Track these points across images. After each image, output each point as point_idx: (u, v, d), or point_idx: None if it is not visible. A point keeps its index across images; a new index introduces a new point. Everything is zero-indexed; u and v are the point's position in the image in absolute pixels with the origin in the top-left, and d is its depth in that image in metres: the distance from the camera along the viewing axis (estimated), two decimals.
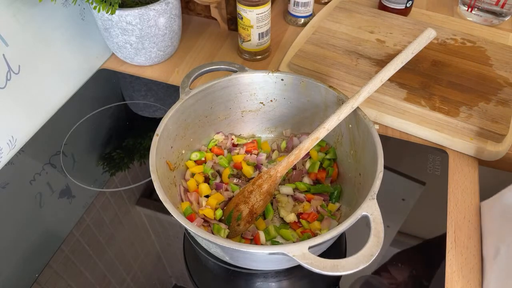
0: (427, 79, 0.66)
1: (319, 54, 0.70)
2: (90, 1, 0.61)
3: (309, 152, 0.50)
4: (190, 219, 0.47)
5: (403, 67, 0.47)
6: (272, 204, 0.52)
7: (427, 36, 0.48)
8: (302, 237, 0.48)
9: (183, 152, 0.53)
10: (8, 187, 0.58)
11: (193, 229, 0.38)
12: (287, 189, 0.52)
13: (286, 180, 0.55)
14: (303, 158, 0.49)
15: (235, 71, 0.54)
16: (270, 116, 0.59)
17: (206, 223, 0.49)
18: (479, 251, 0.50)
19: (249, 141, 0.58)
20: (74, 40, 0.70)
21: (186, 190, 0.52)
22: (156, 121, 0.47)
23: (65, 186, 0.58)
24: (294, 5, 0.82)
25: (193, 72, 0.54)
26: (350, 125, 0.50)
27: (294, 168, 0.55)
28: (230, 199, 0.52)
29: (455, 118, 0.60)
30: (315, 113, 0.55)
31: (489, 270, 0.47)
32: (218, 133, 0.58)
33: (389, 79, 0.48)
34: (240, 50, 0.77)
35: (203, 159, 0.55)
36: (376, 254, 0.35)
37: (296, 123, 0.58)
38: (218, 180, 0.54)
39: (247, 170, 0.54)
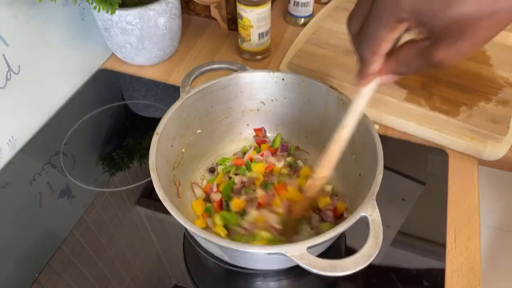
0: (427, 79, 0.65)
1: (319, 54, 0.70)
2: (90, 1, 0.61)
3: None
4: None
5: None
6: None
7: None
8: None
9: (183, 151, 0.53)
10: (8, 187, 0.58)
11: (193, 229, 0.38)
12: None
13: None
14: None
15: (235, 71, 0.54)
16: (271, 116, 0.59)
17: None
18: (479, 251, 0.50)
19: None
20: (74, 40, 0.70)
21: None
22: (156, 121, 0.47)
23: (65, 186, 0.58)
24: (294, 5, 0.82)
25: (194, 71, 0.54)
26: None
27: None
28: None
29: (455, 118, 0.60)
30: (315, 113, 0.55)
31: None
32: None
33: None
34: (240, 50, 0.77)
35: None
36: (375, 255, 0.35)
37: (296, 123, 0.58)
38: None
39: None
